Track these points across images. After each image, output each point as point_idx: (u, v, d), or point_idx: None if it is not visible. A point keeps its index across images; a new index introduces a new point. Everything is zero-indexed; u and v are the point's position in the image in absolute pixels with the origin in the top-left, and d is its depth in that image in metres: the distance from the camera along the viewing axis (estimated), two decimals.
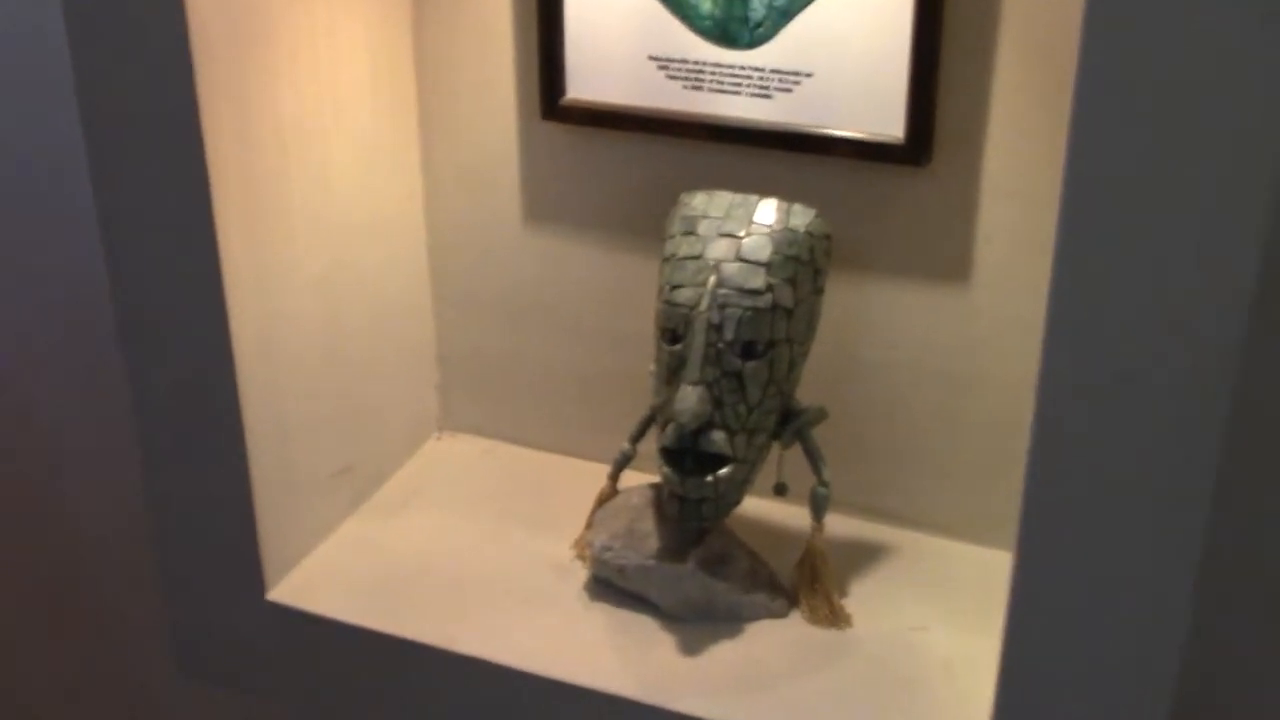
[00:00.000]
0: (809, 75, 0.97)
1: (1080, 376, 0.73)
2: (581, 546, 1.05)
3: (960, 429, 1.03)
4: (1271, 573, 1.01)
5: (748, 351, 0.92)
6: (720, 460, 0.93)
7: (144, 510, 1.07)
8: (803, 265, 0.94)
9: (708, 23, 0.98)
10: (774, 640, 0.98)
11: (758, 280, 0.92)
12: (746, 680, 0.95)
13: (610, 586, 1.02)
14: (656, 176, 1.05)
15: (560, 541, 1.07)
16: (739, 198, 0.95)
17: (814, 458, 0.98)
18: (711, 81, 1.00)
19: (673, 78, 1.01)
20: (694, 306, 0.92)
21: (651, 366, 0.98)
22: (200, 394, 0.99)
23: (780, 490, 0.98)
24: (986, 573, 1.01)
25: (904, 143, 0.95)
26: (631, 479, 1.05)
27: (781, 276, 0.92)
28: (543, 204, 1.12)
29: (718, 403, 0.92)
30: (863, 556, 1.06)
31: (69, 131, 1.01)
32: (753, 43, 0.98)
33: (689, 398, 0.91)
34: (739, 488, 0.95)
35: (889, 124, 0.95)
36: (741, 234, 0.93)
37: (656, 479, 0.99)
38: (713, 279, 0.92)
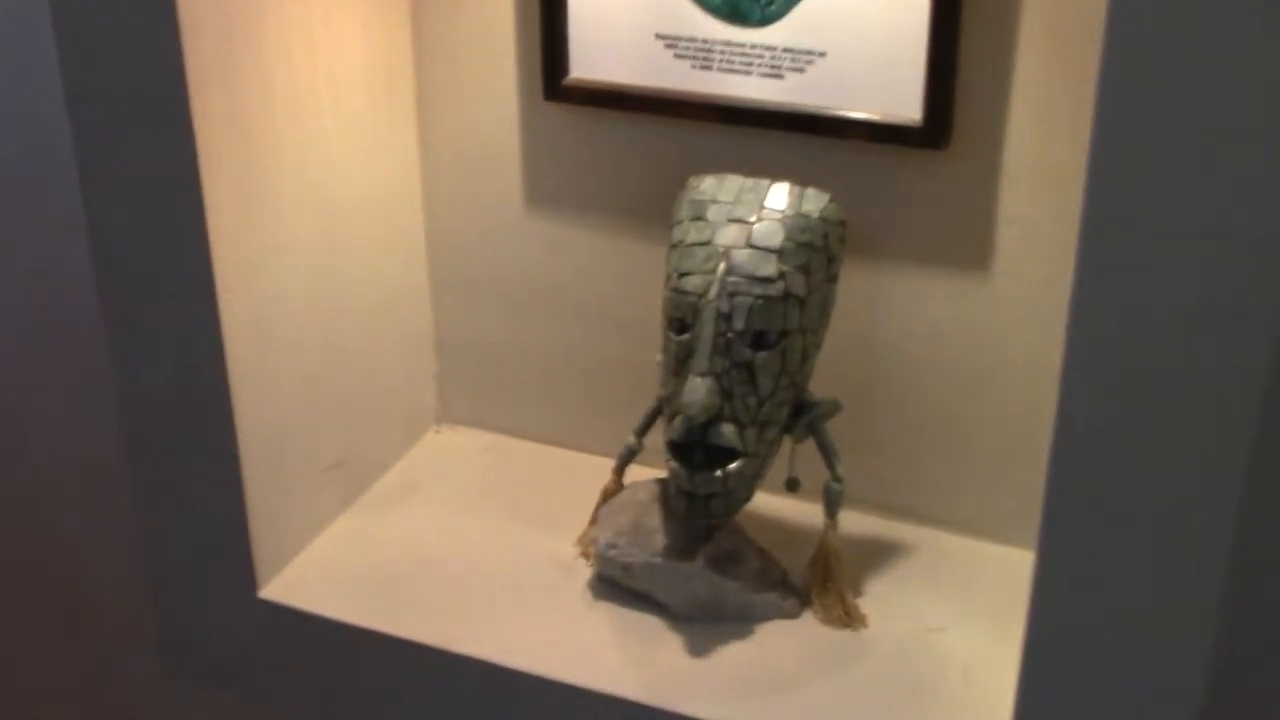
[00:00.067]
0: (822, 54, 0.97)
1: (1105, 367, 0.72)
2: (585, 544, 1.05)
3: (980, 422, 1.03)
4: None
5: (759, 341, 0.92)
6: (730, 454, 0.93)
7: (130, 505, 1.07)
8: (816, 252, 0.93)
9: None
10: (785, 641, 0.98)
11: (769, 267, 0.92)
12: (756, 683, 0.95)
13: (615, 585, 1.02)
14: (664, 159, 1.05)
15: (563, 538, 1.07)
16: (749, 182, 0.95)
17: (827, 452, 0.98)
18: (721, 61, 1.00)
19: (681, 56, 1.01)
20: (703, 295, 0.92)
21: (658, 357, 0.98)
22: (189, 384, 0.99)
23: (792, 486, 0.98)
24: (1007, 572, 1.01)
25: (921, 124, 0.95)
26: (637, 473, 1.05)
27: (794, 264, 0.92)
28: (545, 188, 1.11)
29: (727, 395, 0.92)
30: (878, 555, 1.06)
31: (53, 111, 1.01)
32: (764, 20, 0.98)
33: (697, 389, 0.91)
34: (749, 483, 0.95)
35: (906, 105, 0.95)
36: (752, 219, 0.93)
37: (663, 474, 0.99)
38: (722, 266, 0.92)
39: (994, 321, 1.00)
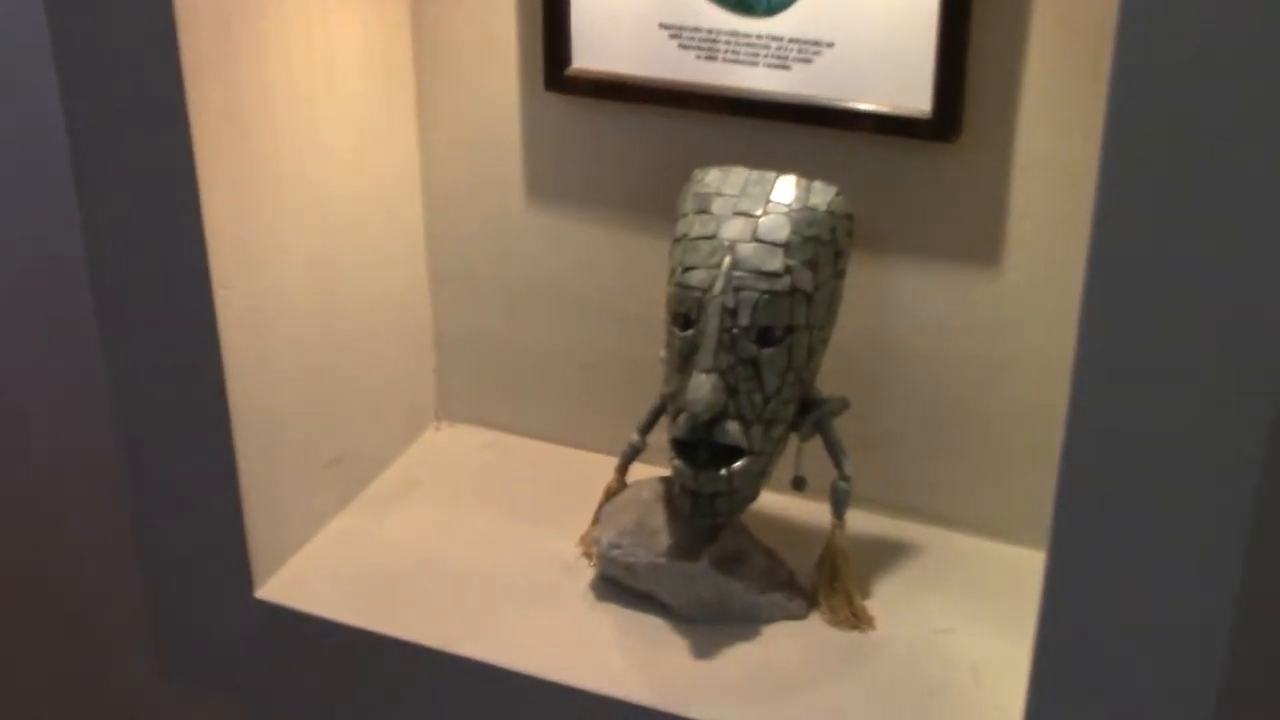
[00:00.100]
0: (830, 44, 0.97)
1: (1118, 364, 0.72)
2: (588, 543, 1.06)
3: (990, 420, 1.03)
4: None
5: (764, 337, 0.92)
6: (735, 453, 0.93)
7: (125, 503, 1.07)
8: (823, 246, 0.93)
9: None
10: (791, 643, 0.98)
11: (775, 262, 0.92)
12: (762, 685, 0.95)
13: (618, 586, 1.02)
14: (668, 152, 1.05)
15: (565, 538, 1.07)
16: (755, 174, 0.95)
17: (835, 450, 0.98)
18: (726, 51, 1.00)
19: (685, 47, 1.01)
20: (707, 289, 0.92)
21: (662, 353, 0.98)
22: (184, 380, 1.00)
23: (799, 485, 0.98)
24: (1017, 572, 1.01)
25: (931, 116, 0.95)
26: (641, 472, 1.05)
27: (800, 258, 0.92)
28: (547, 180, 1.11)
29: (732, 392, 0.92)
30: (886, 555, 1.06)
31: (48, 105, 1.01)
32: (770, 9, 0.98)
33: (702, 386, 0.91)
34: (755, 482, 0.95)
35: (915, 96, 0.95)
36: (758, 213, 0.93)
37: (667, 472, 0.99)
38: (727, 260, 0.92)
39: (1004, 317, 1.00)
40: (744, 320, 0.91)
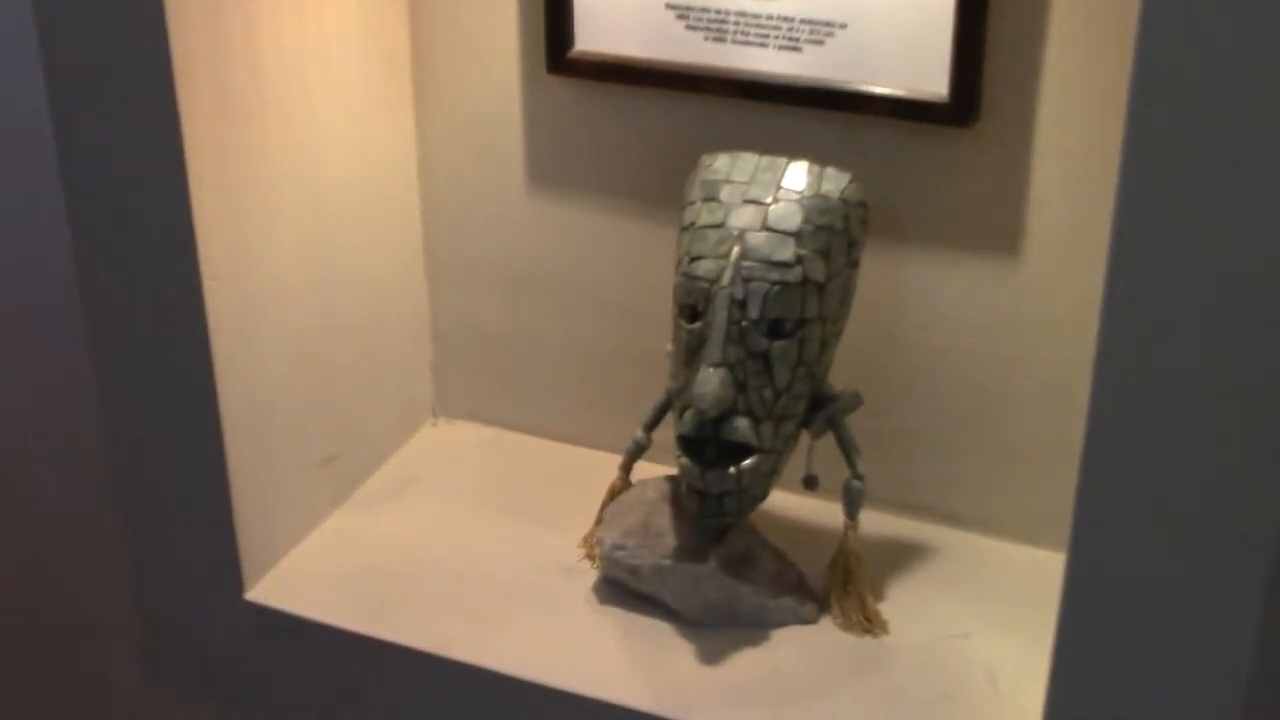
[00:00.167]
0: (843, 26, 0.97)
1: (1141, 358, 0.73)
2: (590, 545, 1.06)
3: (1008, 416, 1.04)
4: None
5: (775, 330, 0.92)
6: (744, 450, 0.93)
7: (111, 501, 1.08)
8: (836, 235, 0.94)
9: None
10: (802, 648, 0.99)
11: (786, 252, 0.92)
12: (771, 692, 0.95)
13: (622, 589, 1.02)
14: (674, 137, 1.05)
15: (567, 539, 1.08)
16: (765, 160, 0.95)
17: (847, 448, 0.98)
18: (735, 32, 1.00)
19: (692, 28, 1.01)
20: (715, 280, 0.92)
21: (668, 346, 0.98)
22: (172, 376, 1.00)
23: (810, 484, 0.99)
24: (1035, 575, 1.01)
25: (948, 100, 0.95)
26: (645, 470, 1.05)
27: (812, 248, 0.92)
28: (548, 167, 1.12)
29: (741, 387, 0.92)
30: (900, 557, 1.06)
31: (31, 85, 1.01)
32: None
33: (710, 381, 0.91)
34: (764, 480, 0.96)
35: (931, 80, 0.95)
36: (768, 200, 0.93)
37: (673, 471, 0.99)
38: (736, 250, 0.92)
39: (1023, 310, 1.01)
40: (754, 312, 0.91)
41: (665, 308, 0.98)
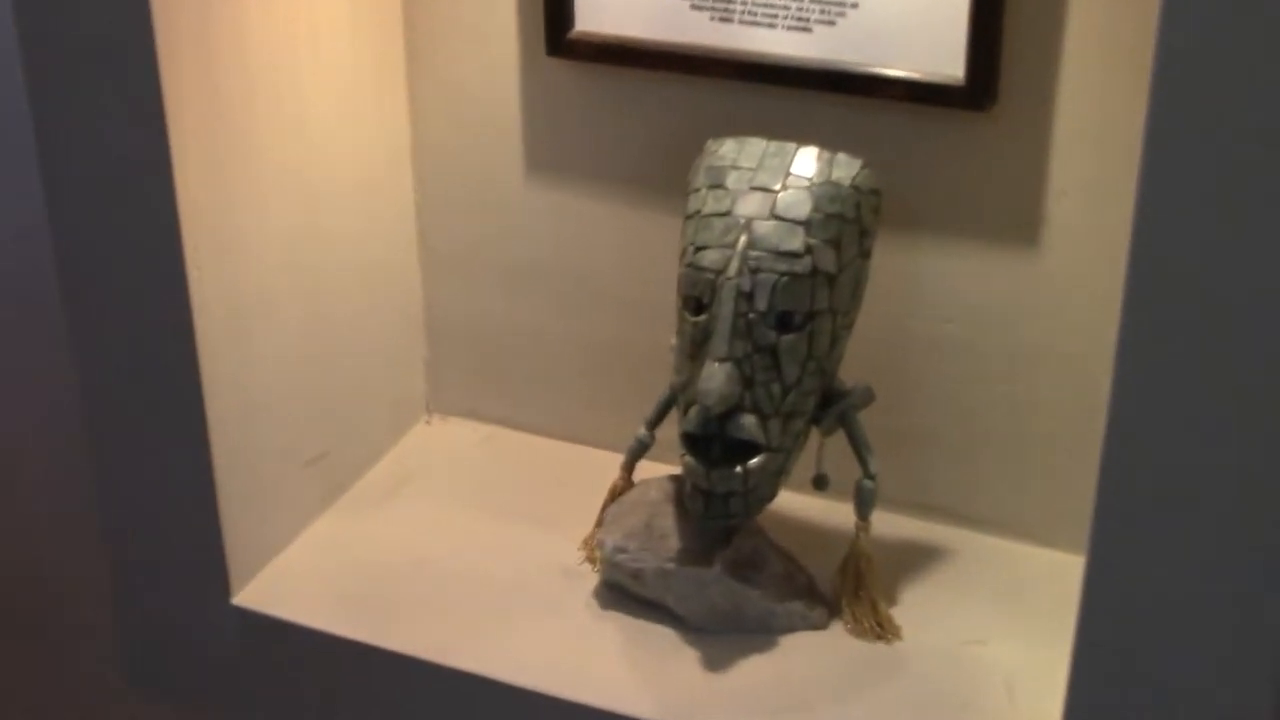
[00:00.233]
0: (854, 5, 0.97)
1: (1164, 353, 0.73)
2: (591, 547, 1.06)
3: (1026, 413, 1.04)
4: None
5: (783, 323, 0.92)
6: (751, 449, 0.94)
7: (93, 503, 1.08)
8: (847, 224, 0.94)
9: None
10: (811, 655, 0.99)
11: (795, 241, 0.92)
12: (780, 700, 0.95)
13: (624, 593, 1.03)
14: (679, 121, 1.05)
15: (567, 541, 1.08)
16: (774, 146, 0.96)
17: (859, 446, 0.98)
18: (743, 12, 1.00)
19: (698, 7, 1.01)
20: (721, 271, 0.92)
21: (673, 340, 0.98)
22: (156, 370, 1.00)
23: (820, 483, 0.99)
24: (1054, 578, 1.01)
25: (964, 83, 0.95)
26: (648, 470, 1.05)
27: (822, 237, 0.93)
28: (548, 153, 1.12)
29: (748, 382, 0.92)
30: (914, 559, 1.06)
31: (8, 68, 1.02)
32: None
33: (715, 376, 0.91)
34: (772, 480, 0.96)
35: (947, 61, 0.95)
36: (776, 187, 0.94)
37: (677, 470, 0.99)
38: (743, 239, 0.92)
39: (1043, 302, 1.01)
40: (761, 304, 0.92)
41: (669, 299, 0.98)
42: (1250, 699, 0.78)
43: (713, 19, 1.01)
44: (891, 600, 1.02)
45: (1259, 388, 0.72)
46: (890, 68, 0.97)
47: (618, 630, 1.01)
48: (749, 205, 0.93)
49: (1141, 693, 0.80)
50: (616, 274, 1.13)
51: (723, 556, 0.99)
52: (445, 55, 1.12)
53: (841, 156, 0.94)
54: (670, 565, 0.99)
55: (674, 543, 1.00)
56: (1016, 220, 0.99)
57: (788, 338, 0.92)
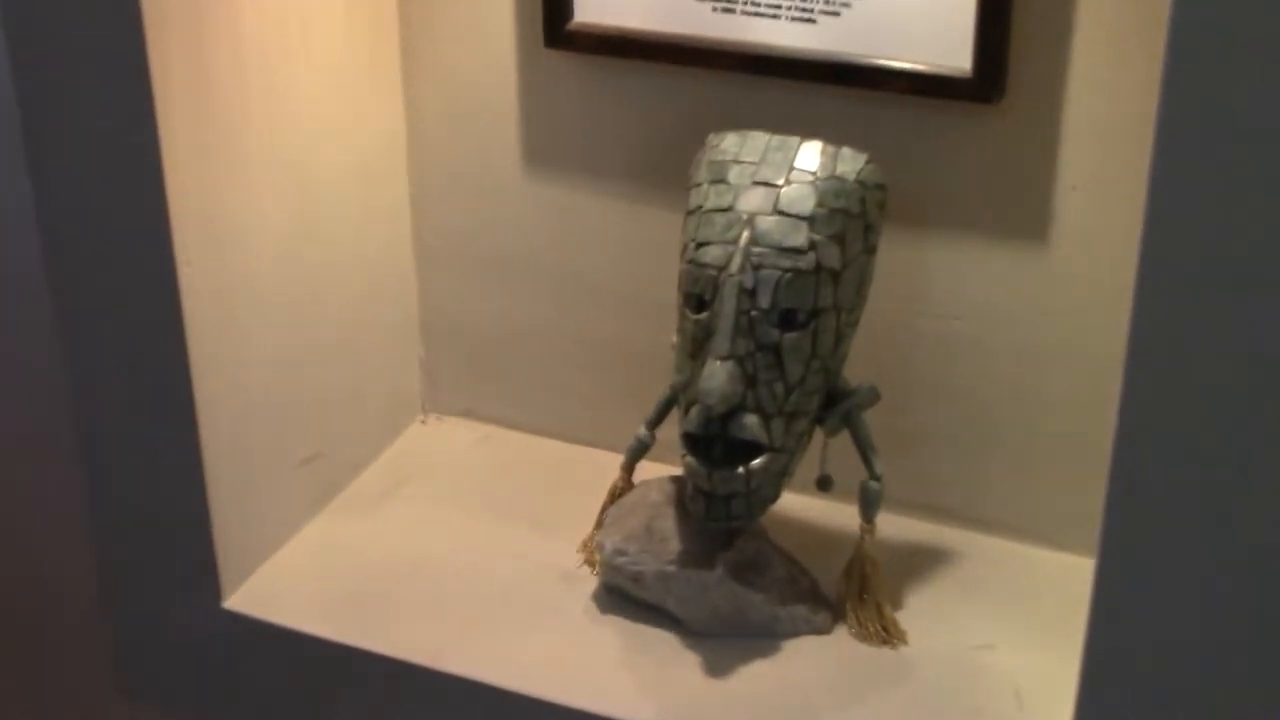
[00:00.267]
0: None
1: (1176, 352, 0.73)
2: (590, 550, 1.06)
3: (1035, 413, 1.04)
4: None
5: (787, 321, 0.92)
6: (753, 449, 0.94)
7: (82, 505, 1.08)
8: (852, 220, 0.94)
9: None
10: (815, 660, 0.99)
11: (799, 237, 0.92)
12: (782, 707, 0.95)
13: (624, 596, 1.03)
14: (680, 115, 1.05)
15: (565, 544, 1.08)
16: (777, 140, 0.96)
17: (864, 446, 0.98)
18: (745, 3, 1.00)
19: None
20: (723, 267, 0.92)
21: (673, 338, 0.98)
22: (145, 369, 1.00)
23: (824, 485, 0.99)
24: (1064, 581, 1.01)
25: (971, 75, 0.95)
26: (649, 470, 1.05)
27: (827, 233, 0.93)
28: (546, 147, 1.12)
29: (751, 381, 0.92)
30: (920, 562, 1.06)
31: None
32: None
33: (717, 375, 0.91)
34: (775, 481, 0.96)
35: (954, 53, 0.95)
36: (780, 182, 0.94)
37: (678, 471, 0.99)
38: (745, 235, 0.92)
39: (1052, 300, 1.01)
40: (764, 302, 0.92)
41: (670, 297, 0.98)
42: (1266, 706, 0.78)
43: (715, 10, 1.01)
44: (897, 604, 1.02)
45: (1275, 387, 0.72)
46: (896, 59, 0.97)
47: (617, 635, 1.01)
48: (751, 200, 0.93)
49: (1154, 700, 0.80)
50: (616, 271, 1.13)
51: (725, 559, 0.99)
52: (441, 46, 1.12)
53: (846, 151, 0.94)
54: (671, 568, 0.99)
55: (675, 545, 1.00)
56: (1025, 216, 0.99)
57: (791, 336, 0.92)
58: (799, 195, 0.93)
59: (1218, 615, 0.77)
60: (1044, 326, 1.01)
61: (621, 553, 1.01)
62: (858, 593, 1.00)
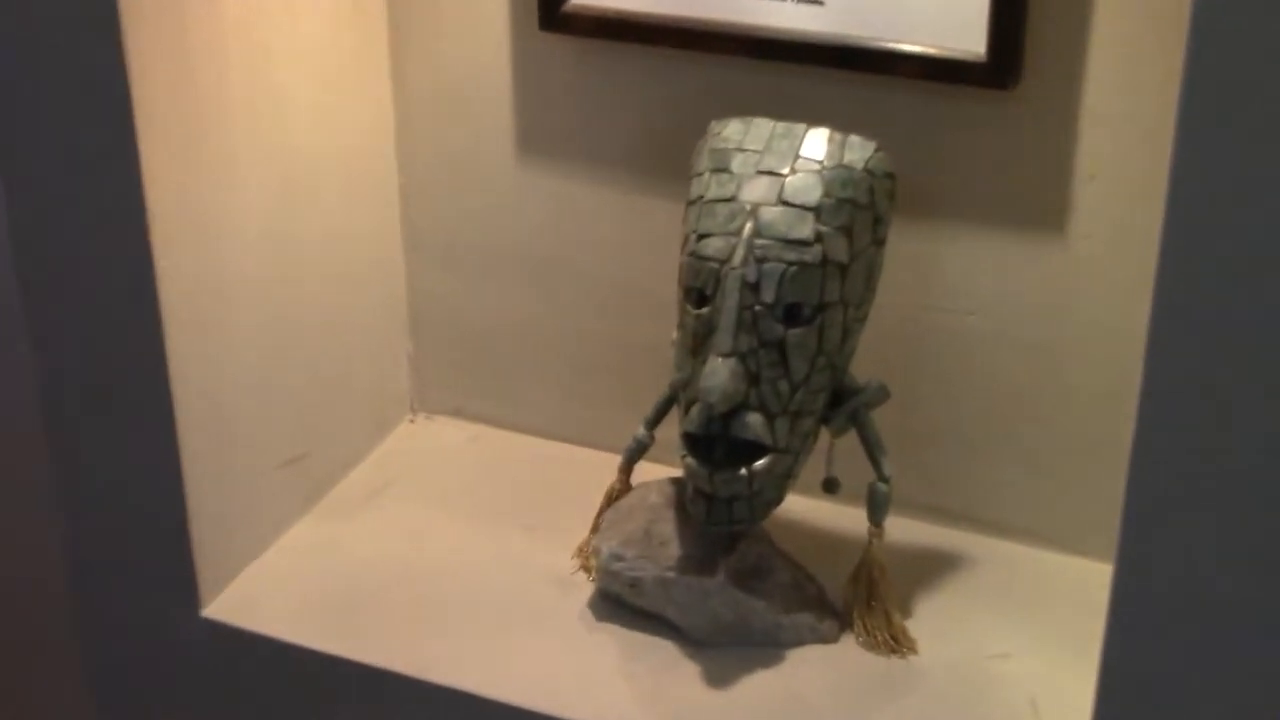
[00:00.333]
0: None
1: (1197, 349, 0.73)
2: (586, 555, 1.06)
3: (1050, 412, 1.04)
4: None
5: (791, 316, 0.92)
6: (756, 450, 0.94)
7: (55, 509, 1.08)
8: (860, 210, 0.94)
9: None
10: (821, 670, 0.99)
11: (804, 228, 0.92)
12: (787, 719, 0.95)
13: (621, 604, 1.03)
14: (681, 100, 1.05)
15: (560, 548, 1.08)
16: (782, 127, 0.96)
17: (872, 447, 0.98)
18: None
19: None
20: (726, 260, 0.92)
21: (674, 334, 0.98)
22: (121, 367, 1.00)
23: (830, 487, 0.99)
24: (1081, 588, 1.01)
25: (986, 60, 0.95)
26: (648, 472, 1.05)
27: (834, 224, 0.93)
28: (541, 135, 1.12)
29: (754, 379, 0.92)
30: (930, 568, 1.06)
31: None
32: None
33: (719, 373, 0.91)
34: (779, 483, 0.96)
35: (967, 36, 0.95)
36: (784, 171, 0.94)
37: (678, 472, 0.99)
38: (749, 226, 0.92)
39: (1069, 293, 1.01)
40: (768, 296, 0.92)
41: (670, 291, 0.98)
42: None
43: None
44: (906, 611, 1.02)
45: None
46: (907, 43, 0.97)
47: (614, 643, 1.01)
48: (755, 190, 0.93)
49: (1173, 709, 0.80)
50: (614, 264, 1.13)
51: (726, 565, 0.99)
52: (431, 30, 1.12)
53: (854, 138, 0.94)
54: (670, 574, 0.99)
55: (674, 550, 1.00)
56: (1042, 206, 1.00)
57: (796, 331, 0.92)
58: (805, 185, 0.93)
59: (1241, 623, 0.77)
60: (1061, 321, 1.02)
61: (619, 558, 1.01)
62: (865, 599, 1.00)
